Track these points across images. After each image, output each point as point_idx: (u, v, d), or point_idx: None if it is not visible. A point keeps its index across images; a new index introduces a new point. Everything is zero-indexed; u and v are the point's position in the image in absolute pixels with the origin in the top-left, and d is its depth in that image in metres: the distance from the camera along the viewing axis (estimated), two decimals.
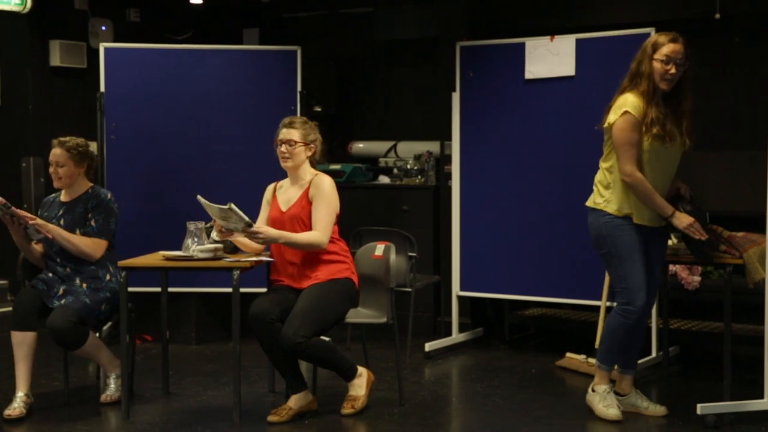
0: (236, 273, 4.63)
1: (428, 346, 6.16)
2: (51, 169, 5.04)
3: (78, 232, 4.99)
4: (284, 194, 4.92)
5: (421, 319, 6.67)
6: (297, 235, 4.74)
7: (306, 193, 4.82)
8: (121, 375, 4.83)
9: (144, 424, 4.72)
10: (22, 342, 4.82)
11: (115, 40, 7.31)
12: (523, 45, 6.07)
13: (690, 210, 4.60)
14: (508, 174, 6.17)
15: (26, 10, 7.00)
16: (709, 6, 5.99)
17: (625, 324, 4.62)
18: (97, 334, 5.12)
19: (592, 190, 4.73)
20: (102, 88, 6.35)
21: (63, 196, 5.14)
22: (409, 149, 7.34)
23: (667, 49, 4.51)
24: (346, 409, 4.80)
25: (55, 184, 5.07)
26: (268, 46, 7.17)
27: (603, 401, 4.71)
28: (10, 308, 5.67)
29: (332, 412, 4.83)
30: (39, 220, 4.90)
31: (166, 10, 7.82)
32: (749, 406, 4.56)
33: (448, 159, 6.48)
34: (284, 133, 4.86)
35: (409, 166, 7.14)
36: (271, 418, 4.70)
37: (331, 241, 4.81)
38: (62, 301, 4.87)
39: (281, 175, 5.00)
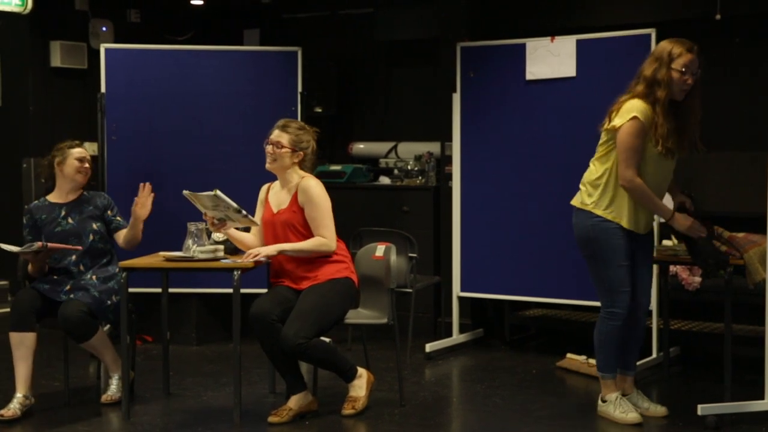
0: (237, 273, 4.63)
1: (429, 347, 6.16)
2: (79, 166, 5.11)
3: (94, 226, 5.05)
4: (275, 196, 4.93)
5: (421, 319, 6.67)
6: (301, 244, 4.75)
7: (295, 199, 4.82)
8: (122, 375, 4.83)
9: (144, 425, 4.72)
10: (21, 343, 4.82)
11: (116, 41, 7.31)
12: (523, 46, 6.08)
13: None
14: (509, 175, 6.17)
15: (27, 10, 7.00)
16: (709, 7, 5.98)
17: (614, 327, 4.61)
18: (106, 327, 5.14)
19: None
20: (102, 89, 6.36)
21: (54, 197, 5.15)
22: (409, 150, 7.34)
23: (685, 59, 4.47)
24: (347, 410, 4.80)
25: (84, 181, 5.14)
26: (268, 46, 7.17)
27: (619, 408, 4.67)
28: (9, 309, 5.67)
29: (333, 413, 4.83)
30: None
31: (166, 10, 7.82)
32: (750, 407, 4.56)
33: (448, 160, 6.48)
34: (275, 135, 4.86)
35: (409, 167, 7.14)
36: (271, 418, 4.70)
37: None
38: (71, 296, 4.88)
39: None
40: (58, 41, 7.25)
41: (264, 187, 5.03)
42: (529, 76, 6.05)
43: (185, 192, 4.71)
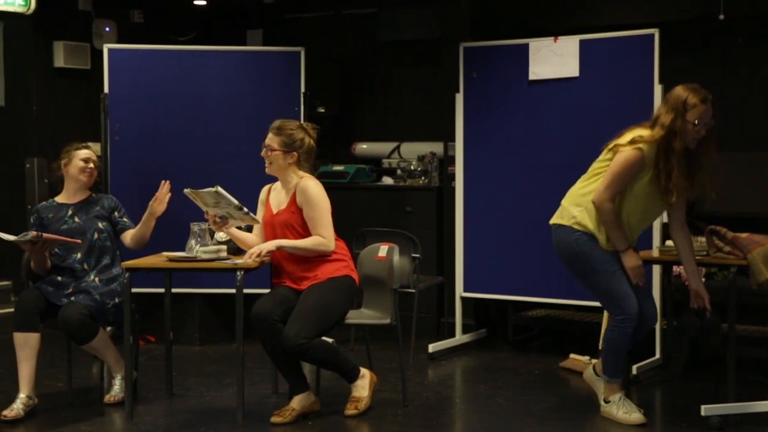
0: (240, 274, 4.63)
1: (432, 347, 6.16)
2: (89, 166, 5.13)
3: (100, 225, 5.07)
4: (276, 197, 4.94)
5: (424, 320, 6.66)
6: (300, 241, 4.75)
7: (294, 199, 4.82)
8: (125, 376, 4.84)
9: (147, 425, 4.72)
10: (25, 343, 4.82)
11: (119, 41, 7.31)
12: (526, 46, 6.07)
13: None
14: (512, 175, 6.17)
15: (30, 11, 7.00)
16: (712, 7, 5.98)
17: (626, 334, 4.58)
18: (108, 328, 5.14)
19: None
20: (106, 89, 6.36)
21: (62, 198, 5.18)
22: (412, 150, 7.34)
23: (699, 110, 4.41)
24: (350, 410, 4.80)
25: (89, 182, 5.16)
26: (271, 47, 7.17)
27: (622, 408, 4.66)
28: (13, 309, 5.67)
29: (335, 413, 4.83)
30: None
31: (169, 11, 7.82)
32: (754, 408, 4.55)
33: (451, 160, 6.48)
34: (267, 139, 4.87)
35: (412, 167, 7.14)
36: (274, 419, 4.70)
37: None
38: (72, 299, 4.89)
39: None
40: (62, 41, 7.25)
41: (265, 188, 5.04)
42: (531, 76, 6.05)
43: (186, 190, 4.71)
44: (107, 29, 7.46)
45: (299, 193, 4.80)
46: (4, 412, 4.74)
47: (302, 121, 5.13)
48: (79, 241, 4.96)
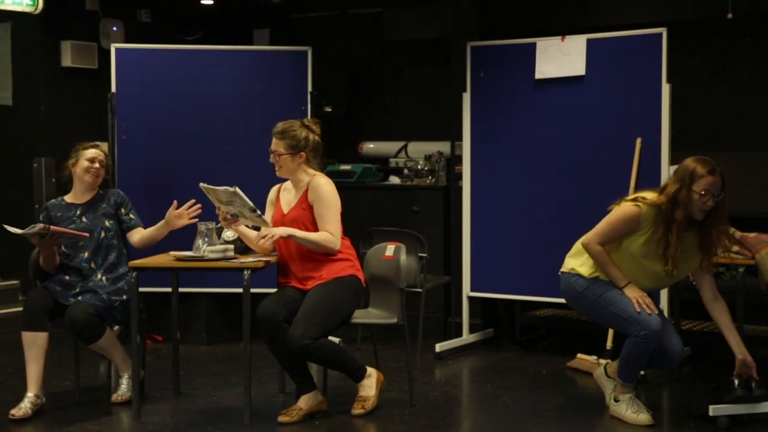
0: (247, 273, 4.63)
1: (439, 347, 6.15)
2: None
3: (107, 223, 5.07)
4: (286, 196, 4.94)
5: (431, 319, 6.66)
6: (309, 234, 4.75)
7: (305, 196, 4.82)
8: (132, 375, 4.84)
9: (154, 425, 4.72)
10: (33, 342, 4.83)
11: (126, 41, 7.32)
12: (533, 45, 6.06)
13: None
14: (519, 174, 6.16)
15: (38, 10, 7.02)
16: (721, 6, 5.97)
17: (646, 350, 4.54)
18: (115, 327, 5.15)
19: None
20: (113, 89, 6.37)
21: (71, 198, 5.19)
22: (419, 149, 7.34)
23: (706, 182, 4.37)
24: (357, 410, 4.79)
25: (94, 182, 5.13)
26: (278, 46, 7.18)
27: (630, 408, 4.65)
28: (21, 308, 5.68)
29: (342, 413, 4.83)
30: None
31: (177, 10, 7.84)
32: (762, 408, 4.53)
33: (458, 159, 6.47)
34: (272, 144, 4.88)
35: (419, 167, 7.14)
36: (281, 418, 4.70)
37: None
38: (79, 298, 4.90)
39: None
40: (69, 41, 7.27)
41: (274, 188, 5.03)
42: (538, 75, 6.03)
43: (202, 184, 4.70)
44: (114, 29, 7.47)
45: (311, 190, 4.80)
46: (13, 411, 4.75)
47: (303, 118, 5.11)
48: (86, 234, 4.97)
